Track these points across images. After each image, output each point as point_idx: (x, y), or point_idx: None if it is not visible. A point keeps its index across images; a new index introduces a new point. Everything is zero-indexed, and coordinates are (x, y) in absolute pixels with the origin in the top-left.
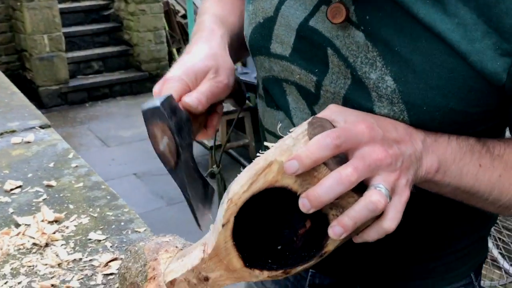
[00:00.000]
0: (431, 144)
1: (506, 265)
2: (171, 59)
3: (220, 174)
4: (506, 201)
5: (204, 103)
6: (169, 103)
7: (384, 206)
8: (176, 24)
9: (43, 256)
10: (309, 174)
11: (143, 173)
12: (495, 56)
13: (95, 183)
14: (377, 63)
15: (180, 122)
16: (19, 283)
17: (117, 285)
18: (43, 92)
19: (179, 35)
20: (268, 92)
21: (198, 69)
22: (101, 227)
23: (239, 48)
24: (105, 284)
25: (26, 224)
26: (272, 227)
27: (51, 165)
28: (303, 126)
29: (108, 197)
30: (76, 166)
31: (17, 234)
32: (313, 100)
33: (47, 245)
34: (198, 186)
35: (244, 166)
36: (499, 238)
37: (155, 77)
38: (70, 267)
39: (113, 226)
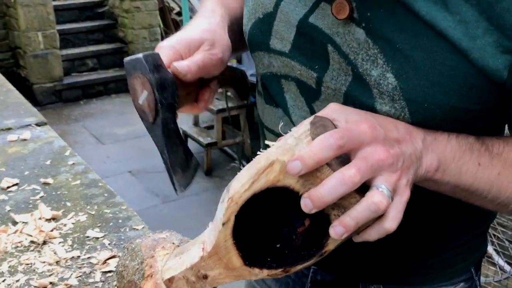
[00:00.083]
0: (431, 142)
1: (500, 261)
2: None
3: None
4: (504, 199)
5: (194, 72)
6: (154, 60)
7: (386, 207)
8: (171, 22)
9: (41, 254)
10: (312, 174)
11: (138, 171)
12: (496, 53)
13: (92, 180)
14: (378, 60)
15: (164, 81)
16: (17, 281)
17: (115, 282)
18: (37, 89)
19: (174, 33)
20: (266, 89)
21: (192, 39)
22: (98, 225)
23: (239, 32)
24: (103, 281)
25: (23, 222)
26: (271, 225)
27: (48, 162)
28: (305, 126)
29: (106, 195)
30: (73, 163)
31: (15, 232)
32: (313, 97)
33: (44, 242)
34: (179, 151)
35: (239, 163)
36: (494, 235)
37: None
38: (68, 265)
39: (111, 224)
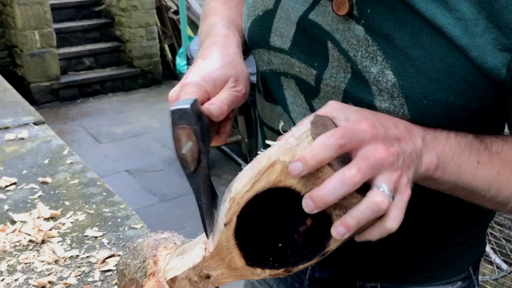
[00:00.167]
0: (431, 141)
1: (497, 260)
2: (163, 55)
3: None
4: (504, 198)
5: (225, 112)
6: (196, 107)
7: (387, 206)
8: (168, 20)
9: (40, 253)
10: (313, 175)
11: (135, 170)
12: (495, 51)
13: (91, 179)
14: (378, 57)
15: (204, 129)
16: (16, 280)
17: (115, 281)
18: (34, 88)
19: (171, 31)
20: (266, 87)
21: (217, 76)
22: (97, 224)
23: (245, 51)
24: (102, 280)
25: (22, 221)
26: (272, 224)
27: (46, 161)
28: (306, 125)
29: (104, 194)
30: (71, 162)
31: (13, 231)
32: (312, 94)
33: (43, 242)
34: (209, 193)
35: (236, 162)
36: (491, 233)
37: (147, 73)
38: (67, 264)
39: (110, 223)
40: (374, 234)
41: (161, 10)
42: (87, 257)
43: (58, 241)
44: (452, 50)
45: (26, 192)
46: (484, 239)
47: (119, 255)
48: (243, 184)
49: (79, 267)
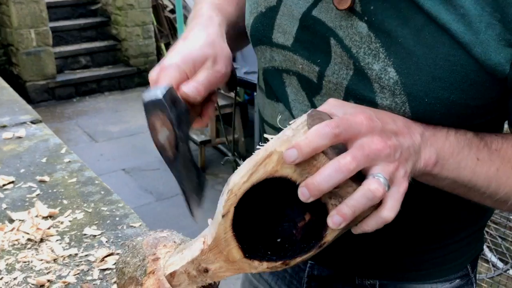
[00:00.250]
0: (430, 137)
1: (493, 258)
2: (159, 54)
3: (236, 162)
4: (503, 195)
5: (203, 93)
6: (170, 95)
7: (382, 194)
8: (164, 19)
9: (38, 252)
10: (309, 164)
11: (131, 169)
12: (499, 47)
13: (89, 178)
14: (380, 54)
15: (180, 114)
16: (14, 278)
17: (114, 279)
18: (30, 87)
19: (167, 30)
20: (268, 84)
21: (196, 56)
22: (96, 222)
23: (235, 38)
24: (102, 279)
25: (20, 220)
26: (271, 220)
27: (44, 160)
28: (303, 118)
29: (102, 192)
30: (69, 161)
31: (11, 230)
32: (314, 91)
33: (42, 240)
34: (193, 176)
35: (233, 161)
36: (487, 232)
37: (143, 72)
38: (66, 263)
39: (108, 221)
40: (370, 224)
41: (157, 8)
42: (86, 255)
43: (57, 240)
44: (454, 48)
45: (24, 191)
46: (482, 237)
47: (118, 254)
48: (241, 176)
49: (78, 265)
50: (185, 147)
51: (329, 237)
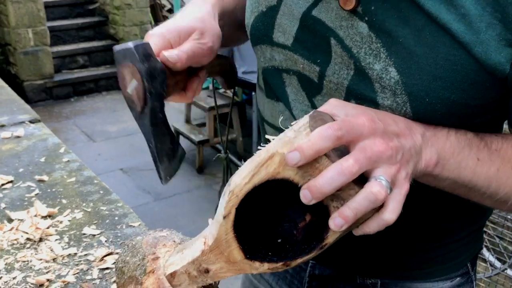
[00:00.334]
0: (431, 138)
1: (491, 257)
2: None
3: (227, 160)
4: (503, 195)
5: (184, 61)
6: (144, 49)
7: (384, 197)
8: (162, 19)
9: (38, 251)
10: (311, 166)
11: (129, 168)
12: (499, 46)
13: (88, 177)
14: (381, 54)
15: (153, 70)
16: (14, 278)
17: (113, 279)
18: (27, 86)
19: None
20: (268, 83)
21: (181, 28)
22: (95, 222)
23: (232, 28)
24: (101, 278)
25: (19, 219)
26: (272, 220)
27: (42, 159)
28: (305, 119)
29: (101, 192)
30: (68, 160)
31: (10, 229)
32: (314, 91)
33: (41, 240)
34: (165, 140)
35: (231, 161)
36: (485, 231)
37: None
38: (65, 262)
39: (107, 221)
40: (372, 226)
41: (155, 8)
42: (85, 255)
43: (56, 239)
44: (455, 48)
45: (23, 190)
46: (482, 235)
47: (117, 253)
48: (242, 177)
49: (77, 265)
50: (156, 104)
51: (330, 239)
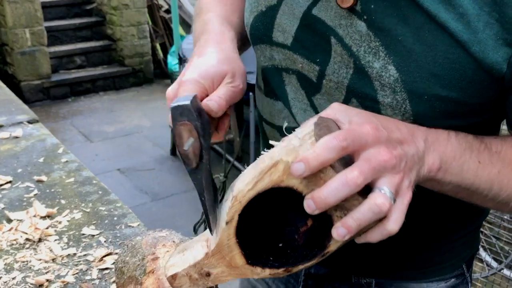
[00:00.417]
0: (432, 143)
1: (488, 257)
2: (154, 54)
3: (224, 184)
4: (505, 196)
5: (224, 108)
6: (196, 104)
7: (388, 209)
8: (160, 19)
9: (37, 251)
10: (315, 176)
11: (127, 169)
12: (496, 46)
13: (86, 178)
14: (380, 52)
15: (204, 124)
16: (13, 278)
17: (113, 279)
18: (24, 87)
19: (162, 30)
20: (267, 82)
21: (214, 73)
22: (94, 222)
23: (240, 47)
24: (100, 278)
25: (18, 220)
26: (273, 224)
27: (41, 160)
28: (309, 127)
29: (100, 192)
30: (66, 161)
31: (10, 230)
32: (313, 90)
33: (40, 240)
34: (212, 190)
35: (228, 161)
36: (481, 231)
37: (138, 72)
38: (65, 262)
39: (106, 221)
40: (374, 236)
41: (152, 8)
42: (85, 255)
43: (55, 240)
44: (453, 46)
45: (22, 191)
46: (478, 236)
47: (116, 253)
48: (246, 183)
49: (76, 265)
50: (207, 157)
51: (332, 247)
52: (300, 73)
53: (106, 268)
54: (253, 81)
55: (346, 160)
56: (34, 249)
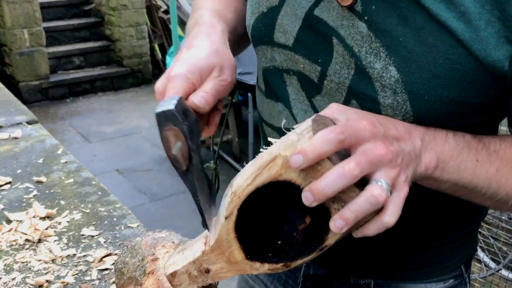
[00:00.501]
0: (430, 141)
1: (486, 258)
2: (152, 55)
3: (216, 171)
4: (504, 195)
5: (211, 103)
6: (181, 106)
7: (385, 200)
8: (158, 20)
9: (37, 252)
10: (313, 169)
11: (125, 169)
12: (498, 44)
13: (86, 179)
14: (381, 53)
15: (191, 125)
16: (13, 279)
17: (112, 280)
18: (23, 87)
19: (161, 31)
20: (268, 83)
21: (202, 66)
22: (93, 223)
23: (235, 44)
24: (100, 279)
25: (17, 220)
26: (272, 222)
27: (40, 161)
28: (307, 123)
29: (99, 193)
30: (66, 162)
31: (9, 230)
32: (314, 91)
33: (40, 241)
34: (205, 187)
35: (227, 162)
36: (479, 232)
37: (136, 72)
38: (64, 263)
39: (106, 222)
40: (372, 229)
41: (151, 9)
42: (84, 256)
43: (55, 240)
44: (454, 46)
45: (21, 192)
46: (476, 237)
47: (116, 254)
48: (245, 179)
49: (76, 266)
50: (197, 158)
51: (330, 240)
52: (302, 73)
53: (106, 269)
54: (252, 82)
55: (343, 154)
56: (34, 249)
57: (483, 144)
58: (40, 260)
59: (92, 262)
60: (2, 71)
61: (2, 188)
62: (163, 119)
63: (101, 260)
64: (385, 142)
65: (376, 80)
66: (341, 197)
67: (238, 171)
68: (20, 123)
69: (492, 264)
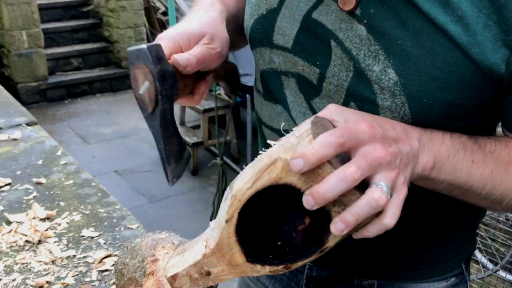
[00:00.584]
0: (427, 142)
1: (483, 259)
2: None
3: (222, 167)
4: (498, 195)
5: (194, 65)
6: (156, 51)
7: (385, 203)
8: (157, 21)
9: (37, 253)
10: (313, 172)
11: (124, 170)
12: (495, 47)
13: (85, 180)
14: (380, 56)
15: (164, 73)
16: (13, 280)
17: (112, 281)
18: (21, 88)
19: (159, 32)
20: (266, 85)
21: (192, 32)
22: (93, 224)
23: (235, 31)
24: (100, 280)
25: (17, 222)
26: (271, 223)
27: (40, 162)
28: (306, 125)
29: (99, 194)
30: (65, 163)
31: (9, 232)
32: (312, 94)
33: (39, 242)
34: (173, 142)
35: (225, 163)
36: (477, 233)
37: None
38: (64, 264)
39: (106, 223)
40: (372, 230)
41: (149, 11)
42: (84, 257)
43: (55, 242)
44: (452, 49)
45: (21, 193)
46: (475, 236)
47: (116, 255)
48: (245, 182)
49: (76, 267)
50: (166, 106)
51: (330, 242)
52: (300, 76)
53: (106, 270)
54: (251, 83)
55: (343, 157)
56: (34, 251)
57: (478, 145)
58: (40, 261)
59: (92, 263)
60: (0, 72)
61: (1, 189)
62: (134, 57)
63: (101, 261)
64: (384, 144)
65: (374, 82)
66: (341, 200)
67: (237, 172)
68: (20, 125)
69: (490, 265)
